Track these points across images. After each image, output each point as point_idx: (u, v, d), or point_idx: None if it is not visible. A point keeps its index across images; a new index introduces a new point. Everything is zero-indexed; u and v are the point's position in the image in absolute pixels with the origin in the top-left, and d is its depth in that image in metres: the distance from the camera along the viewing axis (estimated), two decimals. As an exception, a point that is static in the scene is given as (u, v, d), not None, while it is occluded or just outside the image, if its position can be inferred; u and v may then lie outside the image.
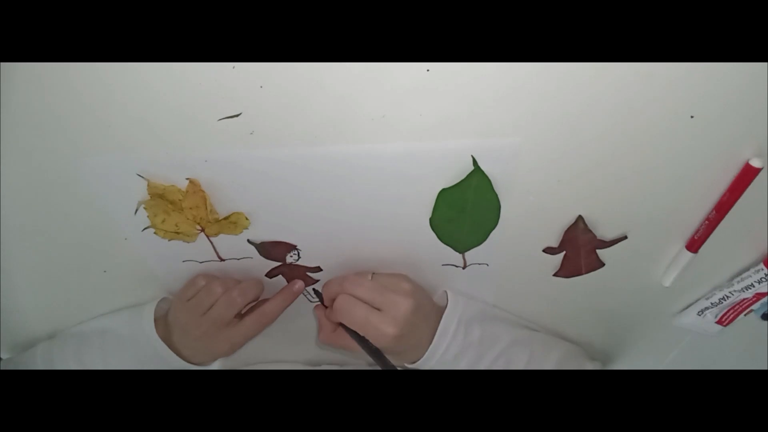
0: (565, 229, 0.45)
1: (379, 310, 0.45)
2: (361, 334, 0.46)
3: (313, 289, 0.53)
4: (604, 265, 0.48)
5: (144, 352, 0.50)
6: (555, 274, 0.49)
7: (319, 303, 0.51)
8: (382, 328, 0.44)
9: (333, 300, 0.47)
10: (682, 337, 0.56)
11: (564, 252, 0.47)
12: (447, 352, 0.48)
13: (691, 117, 0.36)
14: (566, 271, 0.49)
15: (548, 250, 0.47)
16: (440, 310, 0.49)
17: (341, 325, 0.48)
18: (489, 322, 0.51)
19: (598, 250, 0.47)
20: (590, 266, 0.48)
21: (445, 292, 0.51)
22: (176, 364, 0.50)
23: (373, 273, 0.48)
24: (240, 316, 0.51)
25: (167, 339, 0.50)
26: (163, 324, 0.51)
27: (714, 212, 0.42)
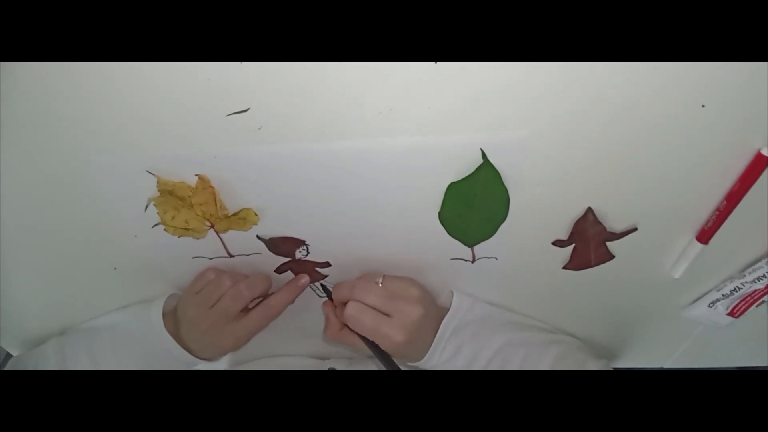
0: (575, 221, 0.45)
1: (388, 315, 0.46)
2: (371, 339, 0.47)
3: (321, 284, 0.53)
4: (613, 257, 0.48)
5: (153, 346, 0.51)
6: (564, 267, 0.49)
7: (327, 300, 0.51)
8: (391, 336, 0.46)
9: (342, 302, 0.48)
10: (692, 329, 0.56)
11: (573, 245, 0.47)
12: (443, 353, 0.49)
13: (702, 106, 0.36)
14: (575, 263, 0.49)
15: (557, 243, 0.47)
16: (444, 312, 0.50)
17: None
18: (486, 324, 0.52)
19: (607, 243, 0.47)
20: (600, 258, 0.48)
21: (452, 292, 0.52)
22: (184, 358, 0.51)
23: (384, 276, 0.49)
24: (247, 310, 0.51)
25: (175, 333, 0.50)
26: (172, 318, 0.52)
27: (725, 202, 0.42)
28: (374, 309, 0.46)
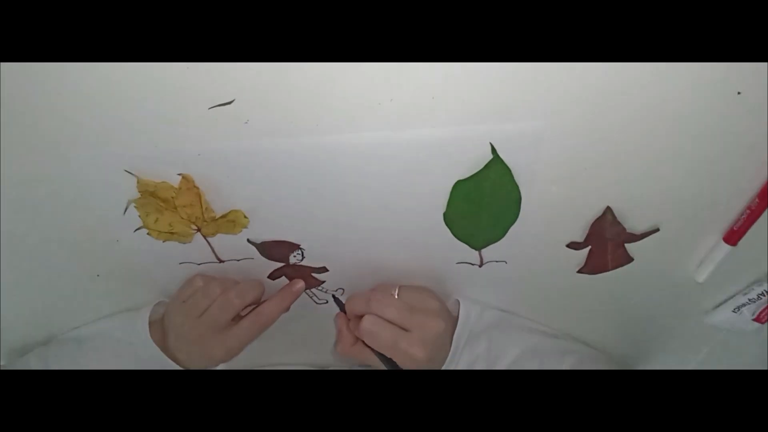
0: (592, 222, 0.43)
1: (406, 330, 0.45)
2: (389, 356, 0.45)
3: (332, 295, 0.52)
4: (632, 260, 0.46)
5: (139, 356, 0.49)
6: (579, 271, 0.47)
7: (340, 312, 0.50)
8: (411, 352, 0.44)
9: (357, 316, 0.46)
10: (713, 336, 0.54)
11: (590, 247, 0.45)
12: (458, 366, 0.48)
13: (738, 93, 0.34)
14: (591, 267, 0.47)
15: (573, 246, 0.45)
16: (455, 322, 0.49)
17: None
18: (499, 333, 0.50)
19: (626, 244, 0.45)
20: (618, 261, 0.46)
21: (457, 301, 0.50)
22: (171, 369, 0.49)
23: (399, 287, 0.47)
24: (239, 318, 0.49)
25: (163, 343, 0.49)
26: (160, 328, 0.50)
27: (757, 200, 0.40)
28: (392, 323, 0.45)
